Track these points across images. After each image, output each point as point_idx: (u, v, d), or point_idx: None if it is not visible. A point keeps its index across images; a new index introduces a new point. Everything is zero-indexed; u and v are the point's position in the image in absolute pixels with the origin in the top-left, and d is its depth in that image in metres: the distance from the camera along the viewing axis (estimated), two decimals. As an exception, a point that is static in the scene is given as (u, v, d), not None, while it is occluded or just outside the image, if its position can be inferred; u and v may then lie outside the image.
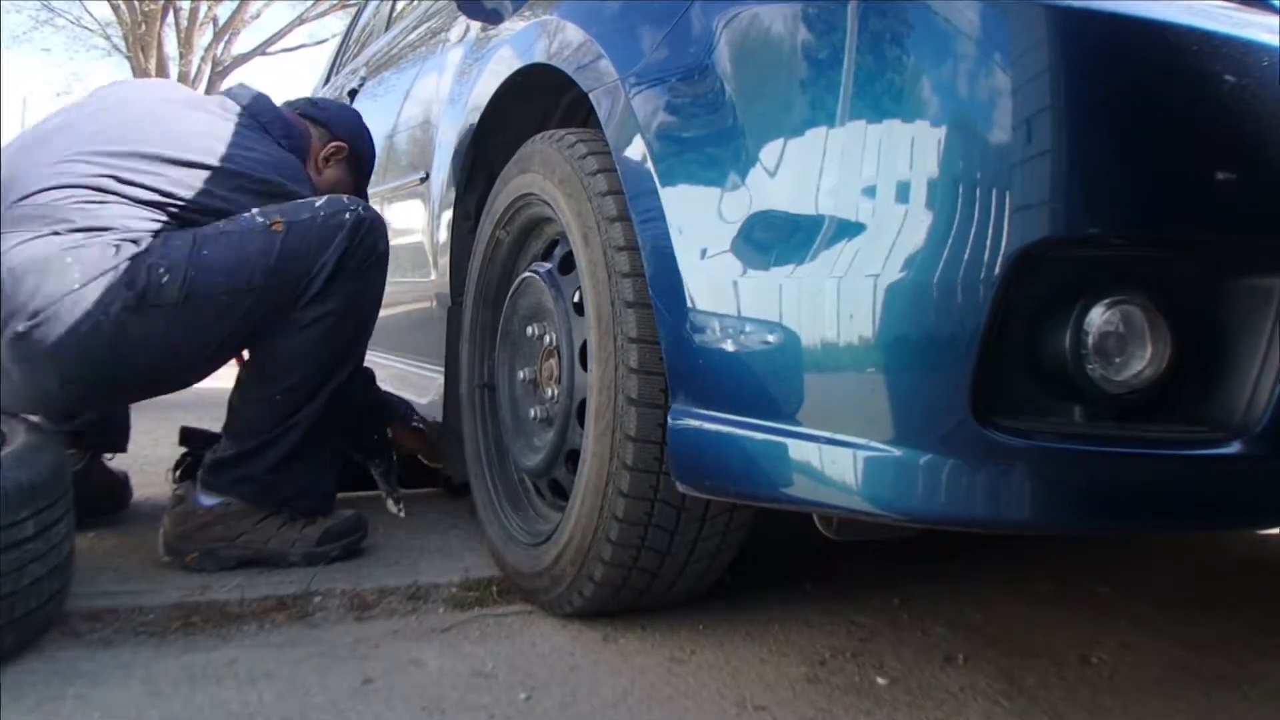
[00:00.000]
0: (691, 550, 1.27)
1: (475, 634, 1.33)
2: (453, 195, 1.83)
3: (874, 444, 0.91)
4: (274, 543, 1.59)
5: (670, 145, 1.15)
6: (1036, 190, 0.83)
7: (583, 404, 1.32)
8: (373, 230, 1.61)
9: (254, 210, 1.57)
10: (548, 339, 1.45)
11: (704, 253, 1.09)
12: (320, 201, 1.60)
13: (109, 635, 1.30)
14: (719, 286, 1.07)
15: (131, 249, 1.48)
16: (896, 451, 0.89)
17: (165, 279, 1.48)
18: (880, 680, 1.21)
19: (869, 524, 1.08)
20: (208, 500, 1.60)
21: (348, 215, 1.58)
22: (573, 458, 1.37)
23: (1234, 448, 0.85)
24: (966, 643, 1.34)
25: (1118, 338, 0.86)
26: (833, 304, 0.93)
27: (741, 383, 1.04)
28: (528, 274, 1.51)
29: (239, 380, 1.64)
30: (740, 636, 1.34)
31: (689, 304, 1.10)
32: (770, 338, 1.00)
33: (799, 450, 0.97)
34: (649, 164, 1.16)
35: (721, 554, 1.31)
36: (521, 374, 1.53)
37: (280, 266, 1.53)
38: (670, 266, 1.12)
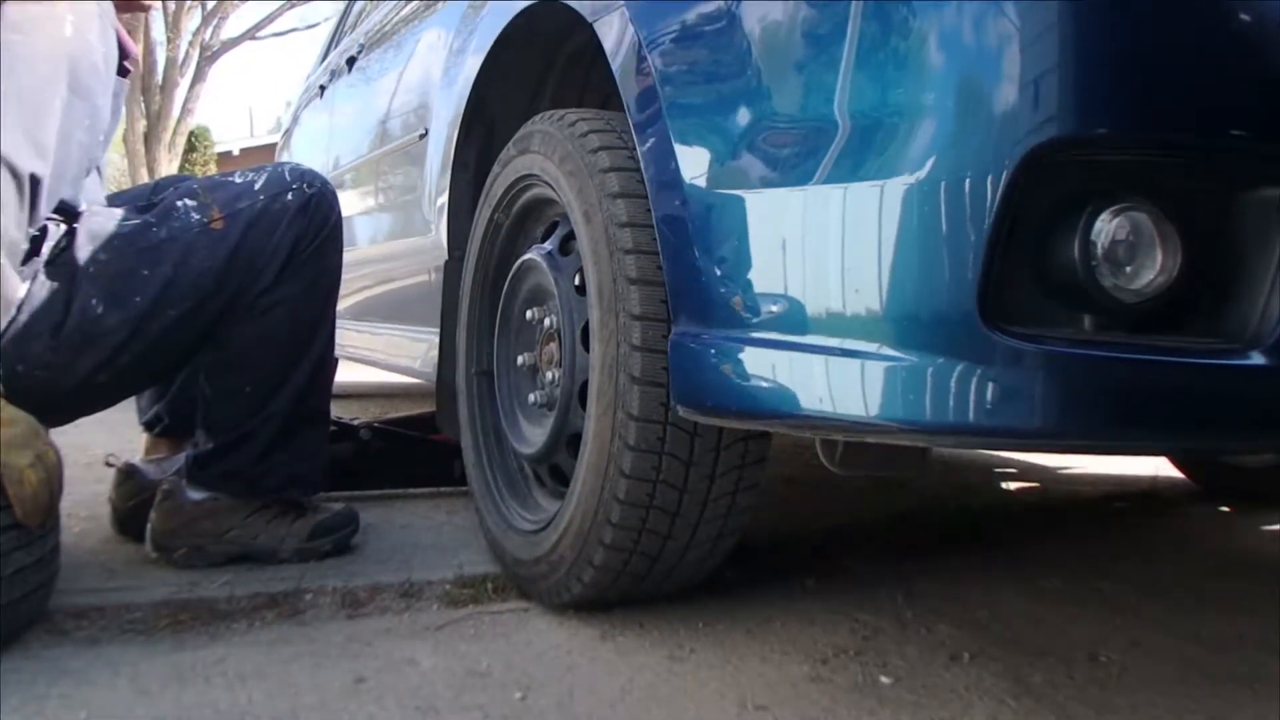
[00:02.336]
0: (693, 533, 1.27)
1: (470, 632, 1.33)
2: (452, 147, 1.85)
3: (881, 352, 0.91)
4: (263, 538, 1.57)
5: (675, 58, 1.18)
6: (1045, 90, 0.83)
7: (584, 386, 1.32)
8: (321, 205, 1.53)
9: (185, 200, 1.47)
10: (548, 322, 1.46)
11: (708, 165, 1.10)
12: (259, 182, 1.51)
13: (95, 633, 1.30)
14: (723, 199, 1.08)
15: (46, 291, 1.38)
16: (905, 359, 0.89)
17: (100, 311, 1.40)
18: (884, 679, 1.21)
19: (872, 455, 1.08)
20: (195, 494, 1.57)
21: (291, 196, 1.50)
22: (573, 442, 1.37)
23: (1255, 359, 0.86)
24: (972, 641, 1.34)
25: (1128, 245, 0.86)
26: (838, 211, 0.94)
27: (745, 296, 1.05)
28: (528, 256, 1.51)
29: (205, 372, 1.57)
30: (741, 634, 1.34)
31: (691, 218, 1.11)
32: (774, 248, 1.01)
33: (803, 362, 0.98)
34: (654, 83, 1.18)
35: (723, 539, 1.31)
36: (521, 359, 1.54)
37: (228, 266, 1.46)
38: (673, 183, 1.14)
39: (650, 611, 1.40)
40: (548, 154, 1.41)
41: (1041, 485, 2.49)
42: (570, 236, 1.40)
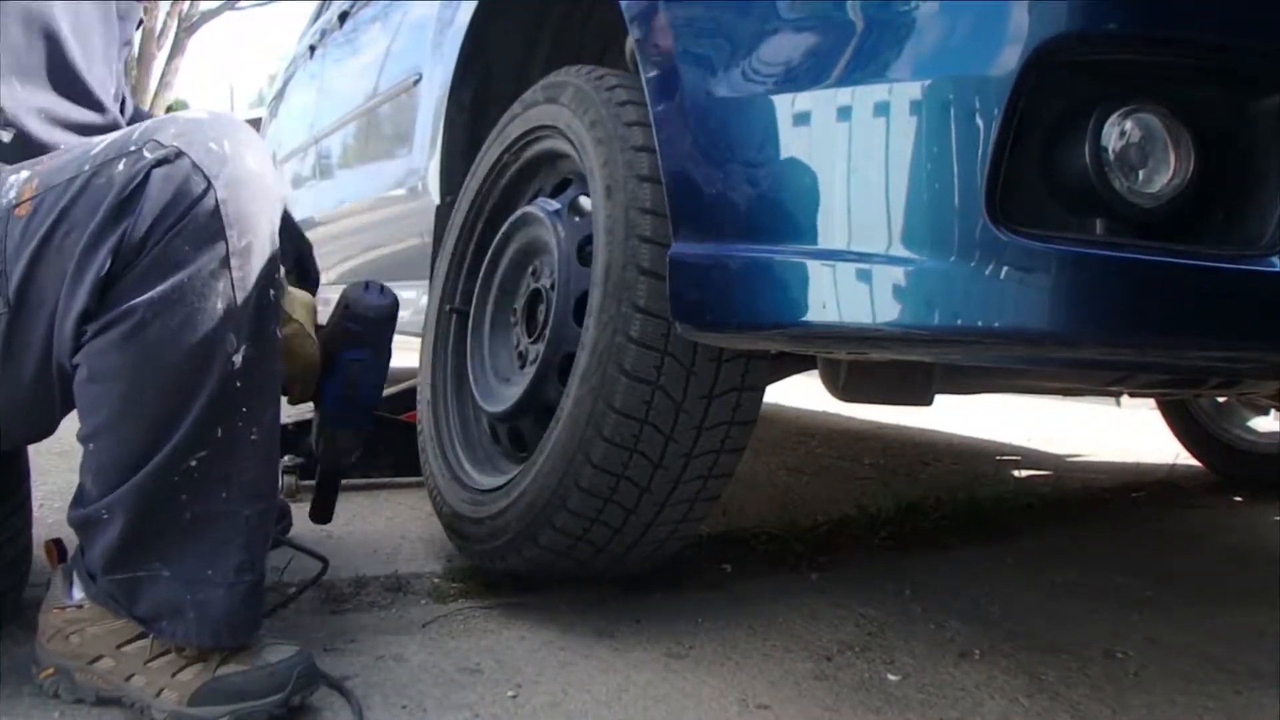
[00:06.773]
0: (684, 468, 1.26)
1: (459, 628, 1.33)
2: (448, 85, 1.85)
3: (889, 254, 0.91)
4: (137, 681, 1.07)
5: None
6: None
7: (567, 357, 1.31)
8: (174, 177, 0.98)
9: (18, 171, 1.07)
10: (541, 281, 1.44)
11: (711, 73, 1.10)
12: (101, 145, 1.04)
13: (68, 629, 1.29)
14: (727, 104, 1.08)
15: None
16: (913, 261, 0.90)
17: None
18: (891, 677, 1.20)
19: (877, 381, 1.07)
20: (76, 593, 1.10)
21: (122, 165, 1.00)
22: (545, 411, 1.36)
23: (1276, 265, 0.86)
24: (982, 637, 1.34)
25: (1140, 148, 0.87)
26: (845, 115, 0.95)
27: (747, 204, 1.05)
28: (532, 209, 1.49)
29: None
30: (742, 631, 1.34)
31: (695, 130, 1.11)
32: (780, 153, 1.01)
33: (807, 269, 0.98)
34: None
35: (713, 482, 1.30)
36: (504, 311, 1.53)
37: (30, 271, 1.01)
38: (676, 91, 1.13)
39: (648, 608, 1.39)
40: (577, 112, 1.39)
41: (1053, 475, 2.49)
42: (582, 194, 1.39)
